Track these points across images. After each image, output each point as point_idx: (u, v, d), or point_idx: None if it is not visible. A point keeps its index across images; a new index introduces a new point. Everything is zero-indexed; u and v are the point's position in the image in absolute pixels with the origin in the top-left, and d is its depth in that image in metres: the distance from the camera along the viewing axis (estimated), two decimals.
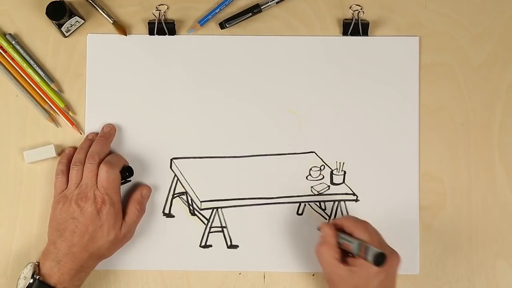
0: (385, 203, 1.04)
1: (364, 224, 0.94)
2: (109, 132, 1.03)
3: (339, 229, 0.96)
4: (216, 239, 1.04)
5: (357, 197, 1.04)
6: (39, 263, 0.96)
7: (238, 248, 1.04)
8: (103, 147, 1.01)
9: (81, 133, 1.05)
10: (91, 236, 0.96)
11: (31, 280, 0.93)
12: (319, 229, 0.98)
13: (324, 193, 1.04)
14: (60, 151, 1.04)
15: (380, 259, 0.87)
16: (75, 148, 1.03)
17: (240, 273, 1.04)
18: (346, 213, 1.04)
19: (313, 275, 1.04)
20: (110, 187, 0.97)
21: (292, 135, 1.05)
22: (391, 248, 0.94)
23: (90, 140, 1.03)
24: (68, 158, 1.02)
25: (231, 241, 1.04)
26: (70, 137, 1.05)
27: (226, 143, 1.05)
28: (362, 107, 1.05)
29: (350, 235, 0.93)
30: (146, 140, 1.05)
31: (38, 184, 1.05)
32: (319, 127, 1.05)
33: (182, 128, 1.05)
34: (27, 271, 0.95)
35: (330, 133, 1.05)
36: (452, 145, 1.05)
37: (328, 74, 1.05)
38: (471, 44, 1.05)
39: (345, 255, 0.94)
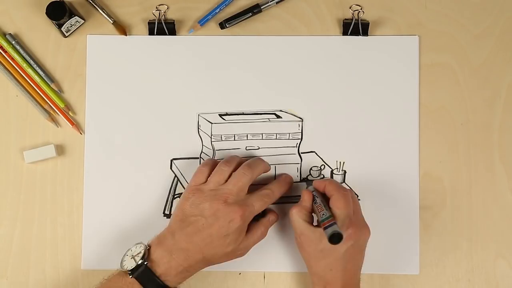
0: (385, 203, 1.04)
1: (343, 192, 0.95)
2: (267, 165, 1.01)
3: (320, 191, 0.97)
4: None
5: (357, 196, 1.04)
6: (150, 246, 0.93)
7: None
8: (260, 167, 0.99)
9: (81, 133, 1.05)
10: (212, 241, 0.93)
11: (139, 262, 0.91)
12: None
13: None
14: (60, 151, 1.04)
15: (335, 238, 0.88)
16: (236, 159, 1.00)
17: (240, 273, 1.05)
18: None
19: None
20: (259, 210, 0.96)
21: (292, 135, 1.05)
22: (364, 221, 0.96)
23: (245, 159, 1.01)
24: (214, 163, 0.99)
25: None
26: (70, 137, 1.05)
27: (226, 143, 1.05)
28: (362, 107, 1.05)
29: (329, 199, 0.95)
30: (146, 140, 1.05)
31: (38, 184, 1.05)
32: (319, 127, 1.05)
33: (182, 128, 1.05)
34: (137, 252, 0.92)
35: (330, 133, 1.05)
36: (452, 145, 1.05)
37: (328, 74, 1.05)
38: (471, 44, 1.05)
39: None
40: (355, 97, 1.05)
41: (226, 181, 0.96)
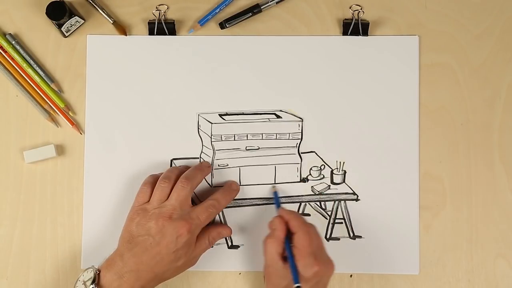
0: (385, 203, 1.04)
1: (307, 229, 0.94)
2: (208, 167, 1.02)
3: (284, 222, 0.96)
4: None
5: (357, 196, 1.04)
6: (100, 271, 0.93)
7: (238, 248, 1.04)
8: (197, 175, 0.99)
9: (81, 133, 1.05)
10: (162, 258, 0.93)
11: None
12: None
13: (325, 192, 1.04)
14: (60, 151, 1.04)
15: None
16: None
17: (240, 273, 1.04)
18: (346, 213, 1.04)
19: None
20: (205, 222, 0.96)
21: (292, 135, 1.05)
22: (328, 257, 0.94)
23: (186, 167, 1.02)
24: (155, 178, 1.00)
25: (231, 242, 1.04)
26: (70, 137, 1.05)
27: (226, 143, 1.05)
28: (362, 107, 1.05)
29: (293, 234, 0.94)
30: (146, 140, 1.05)
31: (38, 184, 1.05)
32: (319, 127, 1.05)
33: (182, 128, 1.05)
34: (88, 277, 0.92)
35: (330, 133, 1.05)
36: (452, 145, 1.05)
37: (328, 74, 1.05)
38: (471, 44, 1.05)
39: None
40: (355, 97, 1.05)
41: (168, 196, 0.96)
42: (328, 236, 1.04)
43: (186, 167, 1.02)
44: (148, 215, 0.95)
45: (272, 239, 0.94)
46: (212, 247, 1.03)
